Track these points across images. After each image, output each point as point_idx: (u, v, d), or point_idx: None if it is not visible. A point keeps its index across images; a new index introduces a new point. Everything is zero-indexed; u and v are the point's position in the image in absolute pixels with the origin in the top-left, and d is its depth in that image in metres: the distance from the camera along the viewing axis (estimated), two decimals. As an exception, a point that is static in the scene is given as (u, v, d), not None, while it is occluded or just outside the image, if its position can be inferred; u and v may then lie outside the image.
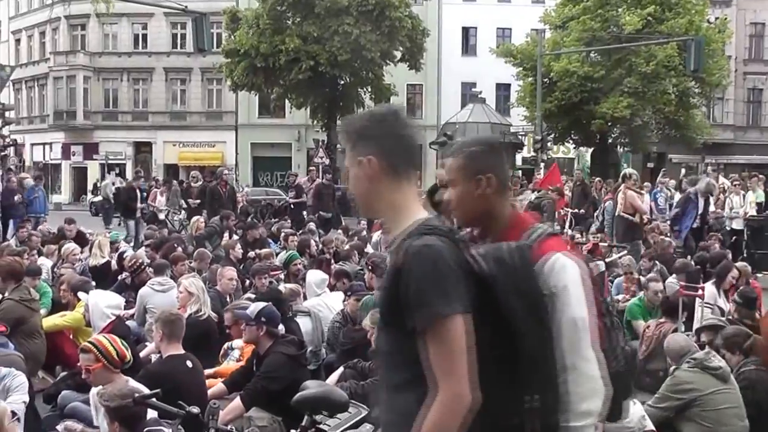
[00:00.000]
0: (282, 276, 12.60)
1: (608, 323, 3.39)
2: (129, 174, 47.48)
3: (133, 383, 6.34)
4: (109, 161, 55.80)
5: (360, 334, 8.50)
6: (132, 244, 20.55)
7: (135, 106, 59.49)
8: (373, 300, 8.95)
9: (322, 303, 10.53)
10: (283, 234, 17.83)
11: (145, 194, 26.16)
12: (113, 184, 34.25)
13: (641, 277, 13.07)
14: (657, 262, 14.62)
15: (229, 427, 5.98)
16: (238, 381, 7.49)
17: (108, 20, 56.52)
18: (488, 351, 2.86)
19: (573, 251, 3.42)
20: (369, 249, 16.04)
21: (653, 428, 6.34)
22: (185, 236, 18.35)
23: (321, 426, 5.74)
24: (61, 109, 58.51)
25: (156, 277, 11.02)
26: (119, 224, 31.72)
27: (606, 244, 15.97)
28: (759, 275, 15.22)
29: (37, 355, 9.13)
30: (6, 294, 9.62)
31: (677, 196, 20.52)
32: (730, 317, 9.99)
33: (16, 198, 22.58)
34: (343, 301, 10.27)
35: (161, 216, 25.67)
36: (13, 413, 6.24)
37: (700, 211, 18.15)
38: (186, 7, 28.43)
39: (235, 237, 17.09)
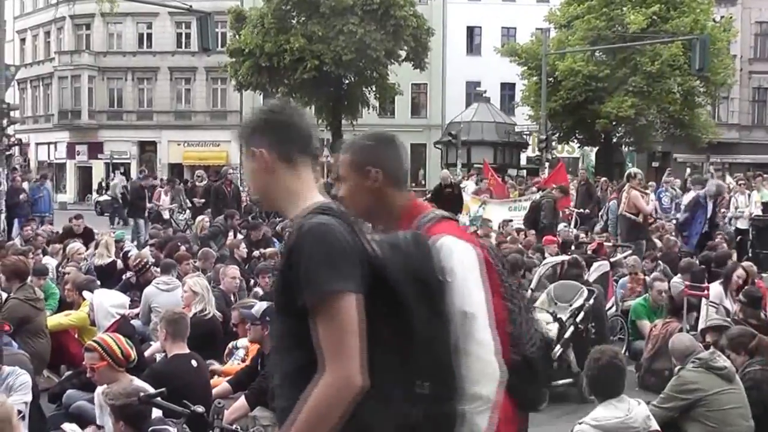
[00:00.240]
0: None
1: (517, 307, 3.38)
2: (134, 173, 47.49)
3: (138, 382, 6.35)
4: (114, 160, 55.85)
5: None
6: (136, 243, 20.59)
7: (140, 106, 59.54)
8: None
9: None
10: (287, 233, 17.82)
11: (149, 193, 26.18)
12: (122, 183, 34.37)
13: (646, 277, 13.07)
14: (660, 261, 14.62)
15: (233, 426, 5.97)
16: (243, 380, 7.50)
17: (113, 20, 56.62)
18: (379, 335, 2.80)
19: (467, 235, 3.41)
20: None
21: (658, 428, 6.33)
22: (190, 235, 18.36)
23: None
24: (66, 108, 58.56)
25: (161, 276, 11.02)
26: (119, 222, 31.79)
27: (610, 244, 15.96)
28: (764, 275, 15.19)
29: (42, 355, 9.15)
30: (11, 293, 9.64)
31: (685, 197, 20.45)
32: (736, 317, 9.98)
33: (21, 197, 22.62)
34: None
35: (166, 215, 25.68)
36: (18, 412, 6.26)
37: (709, 215, 18.07)
38: (191, 6, 28.42)
39: (240, 236, 17.11)
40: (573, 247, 15.22)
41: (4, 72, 24.42)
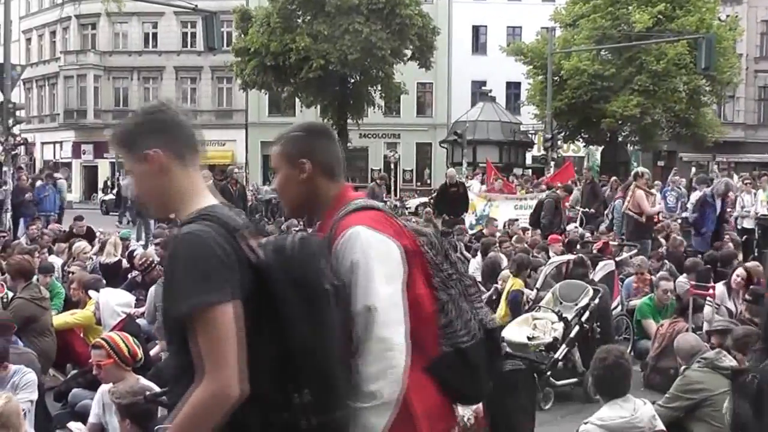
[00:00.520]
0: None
1: (449, 296, 3.33)
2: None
3: (144, 381, 6.37)
4: (120, 160, 55.67)
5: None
6: (142, 242, 20.64)
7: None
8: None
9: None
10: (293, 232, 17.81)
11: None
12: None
13: (652, 277, 13.06)
14: (666, 261, 14.60)
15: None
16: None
17: (118, 19, 56.75)
18: (259, 342, 2.78)
19: (386, 225, 3.30)
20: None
21: (663, 428, 6.32)
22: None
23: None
24: (72, 108, 58.67)
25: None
26: (128, 222, 31.82)
27: (616, 243, 15.94)
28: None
29: (47, 353, 9.16)
30: (17, 292, 9.65)
31: (692, 196, 20.40)
32: (741, 317, 9.97)
33: (26, 196, 22.66)
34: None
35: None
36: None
37: (717, 213, 18.01)
38: (196, 6, 28.45)
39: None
40: (578, 247, 15.21)
41: (10, 72, 24.45)
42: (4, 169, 23.37)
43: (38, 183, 24.89)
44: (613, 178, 27.78)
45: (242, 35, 43.65)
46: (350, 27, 39.74)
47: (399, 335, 3.08)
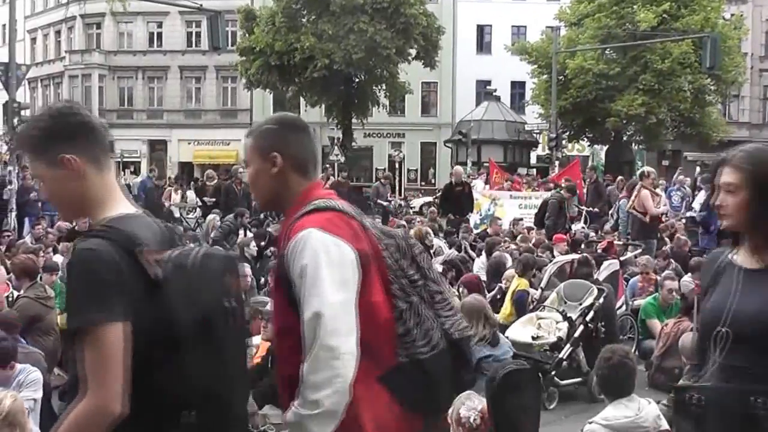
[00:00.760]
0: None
1: (408, 304, 3.22)
2: (144, 172, 47.57)
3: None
4: (124, 159, 55.93)
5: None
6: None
7: (150, 105, 59.64)
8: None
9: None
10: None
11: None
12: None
13: (658, 276, 13.04)
14: (672, 260, 14.58)
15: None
16: (253, 378, 7.50)
17: (123, 19, 56.84)
18: (151, 359, 2.76)
19: (343, 227, 3.19)
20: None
21: (668, 428, 6.31)
22: (200, 234, 18.40)
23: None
24: (77, 107, 58.61)
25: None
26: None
27: (620, 243, 15.92)
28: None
29: (52, 352, 9.17)
30: (21, 292, 9.67)
31: (700, 195, 20.34)
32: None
33: (31, 195, 22.66)
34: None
35: (176, 214, 25.77)
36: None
37: None
38: (201, 5, 28.45)
39: (250, 234, 17.16)
40: (583, 246, 15.20)
41: (15, 71, 24.47)
42: (9, 168, 23.38)
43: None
44: (620, 177, 27.76)
45: (247, 35, 43.65)
46: (355, 26, 39.73)
47: (348, 344, 2.99)
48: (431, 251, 15.49)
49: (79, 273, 2.72)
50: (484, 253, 14.98)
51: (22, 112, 24.58)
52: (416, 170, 58.26)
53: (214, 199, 23.12)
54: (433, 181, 55.01)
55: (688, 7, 40.39)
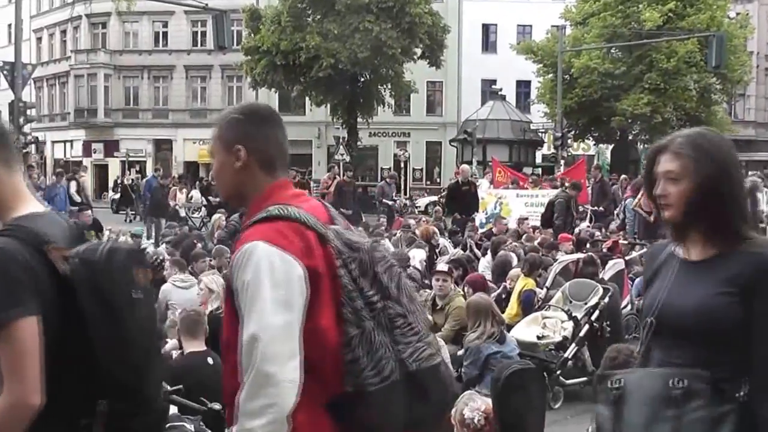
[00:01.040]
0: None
1: (358, 330, 2.91)
2: (149, 171, 47.66)
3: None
4: (130, 159, 56.08)
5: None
6: (152, 240, 20.71)
7: (155, 104, 59.69)
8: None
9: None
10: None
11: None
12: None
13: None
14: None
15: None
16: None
17: (128, 18, 56.99)
18: (64, 353, 2.80)
19: (294, 242, 2.91)
20: (389, 246, 16.06)
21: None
22: (205, 233, 18.43)
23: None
24: (82, 106, 58.83)
25: (178, 273, 11.07)
26: (135, 218, 31.91)
27: (626, 242, 15.91)
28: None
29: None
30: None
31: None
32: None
33: (37, 195, 22.72)
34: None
35: (182, 213, 25.82)
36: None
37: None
38: (206, 4, 28.51)
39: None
40: (588, 245, 15.20)
41: (20, 70, 24.55)
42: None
43: (49, 182, 25.00)
44: (623, 176, 27.74)
45: (252, 34, 43.69)
46: (360, 26, 39.74)
47: (288, 371, 2.78)
48: (437, 250, 15.53)
49: None
50: (489, 252, 14.98)
51: (28, 112, 24.67)
52: (421, 169, 58.23)
53: (219, 199, 23.14)
54: (438, 180, 55.00)
55: (693, 5, 40.34)
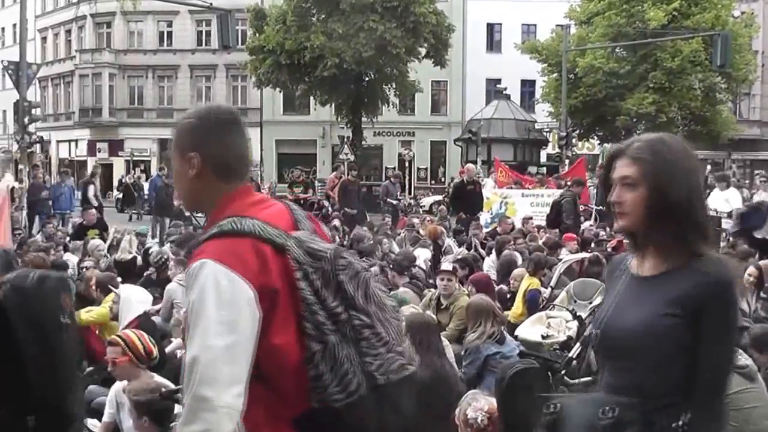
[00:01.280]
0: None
1: (320, 344, 2.80)
2: (154, 171, 47.70)
3: (158, 378, 6.39)
4: (135, 158, 56.13)
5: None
6: (157, 240, 20.72)
7: (160, 103, 59.73)
8: (400, 296, 8.95)
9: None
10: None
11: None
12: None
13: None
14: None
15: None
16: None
17: (133, 18, 57.07)
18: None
19: (240, 260, 2.77)
20: (394, 246, 16.06)
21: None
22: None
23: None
24: (87, 106, 58.90)
25: (183, 273, 11.09)
26: (138, 218, 31.93)
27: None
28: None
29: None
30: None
31: (715, 195, 20.19)
32: (756, 315, 9.91)
33: (43, 194, 22.76)
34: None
35: (187, 212, 25.79)
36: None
37: None
38: (211, 4, 28.51)
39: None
40: (593, 245, 15.17)
41: (25, 70, 24.55)
42: (20, 167, 23.48)
43: (54, 181, 25.04)
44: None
45: (257, 34, 43.69)
46: (365, 25, 39.70)
47: (227, 395, 2.65)
48: (442, 250, 15.52)
49: None
50: (494, 251, 14.97)
51: (33, 111, 24.68)
52: (426, 169, 58.22)
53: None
54: (443, 179, 54.98)
55: (698, 4, 40.32)
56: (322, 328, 2.80)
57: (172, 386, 5.76)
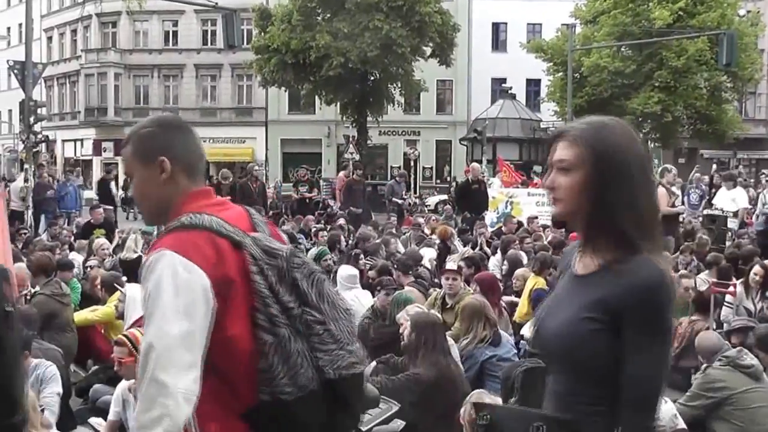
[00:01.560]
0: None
1: (272, 337, 2.82)
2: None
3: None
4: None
5: (390, 330, 8.46)
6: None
7: (165, 103, 59.70)
8: (405, 296, 8.94)
9: (355, 297, 10.55)
10: (313, 230, 17.92)
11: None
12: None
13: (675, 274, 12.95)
14: (695, 258, 14.49)
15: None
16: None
17: (139, 18, 57.09)
18: None
19: (200, 249, 2.82)
20: (399, 245, 16.05)
21: (684, 427, 6.29)
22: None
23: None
24: (92, 105, 58.93)
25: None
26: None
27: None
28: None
29: (69, 349, 9.19)
30: (37, 288, 9.70)
31: (722, 194, 20.19)
32: (761, 315, 9.89)
33: (48, 193, 22.78)
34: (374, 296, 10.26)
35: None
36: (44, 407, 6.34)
37: None
38: (216, 3, 28.54)
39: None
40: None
41: (31, 70, 24.59)
42: (26, 166, 23.52)
43: (60, 180, 25.08)
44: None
45: (262, 33, 43.72)
46: (370, 24, 39.71)
47: (183, 381, 2.68)
48: (449, 250, 15.51)
49: None
50: (499, 251, 14.96)
51: (39, 110, 24.72)
52: (431, 168, 58.18)
53: (229, 198, 23.16)
54: (448, 179, 54.99)
55: (704, 3, 40.27)
56: (275, 320, 2.83)
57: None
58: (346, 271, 11.37)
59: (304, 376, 2.82)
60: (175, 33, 59.40)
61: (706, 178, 25.41)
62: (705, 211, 20.02)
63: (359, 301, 10.47)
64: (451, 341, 7.67)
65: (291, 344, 2.83)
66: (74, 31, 63.04)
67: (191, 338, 2.72)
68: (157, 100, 59.58)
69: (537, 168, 38.95)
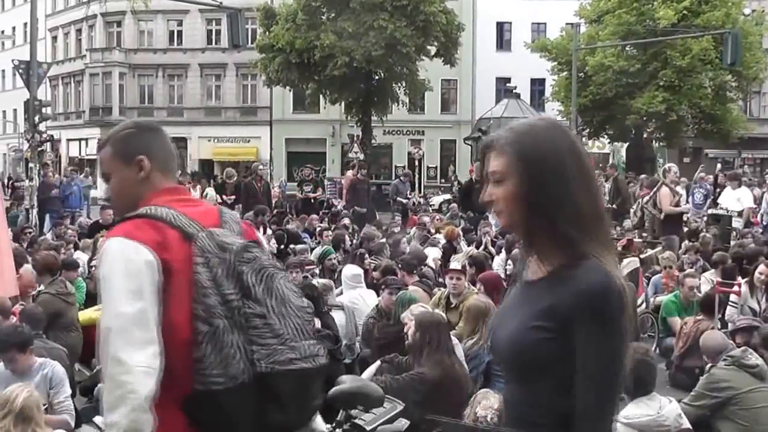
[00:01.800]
0: (317, 271, 12.69)
1: (209, 327, 2.83)
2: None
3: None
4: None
5: (395, 329, 8.47)
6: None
7: (170, 102, 59.84)
8: (409, 295, 8.94)
9: (359, 297, 10.56)
10: (317, 229, 17.93)
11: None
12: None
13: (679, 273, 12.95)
14: (701, 257, 14.48)
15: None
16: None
17: (143, 17, 57.13)
18: None
19: (149, 231, 2.91)
20: (404, 244, 16.05)
21: (689, 426, 6.29)
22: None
23: (356, 421, 5.70)
24: (97, 105, 59.05)
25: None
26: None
27: (640, 240, 15.84)
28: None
29: (74, 348, 9.21)
30: (42, 287, 9.72)
31: (727, 193, 20.17)
32: (766, 314, 9.89)
33: (53, 192, 22.81)
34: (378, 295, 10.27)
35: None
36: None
37: None
38: (221, 3, 28.58)
39: (269, 232, 17.20)
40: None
41: (36, 69, 24.61)
42: (31, 165, 23.55)
43: (64, 179, 25.10)
44: (643, 175, 27.61)
45: (266, 32, 43.73)
46: (374, 24, 39.69)
47: (141, 357, 2.75)
48: (455, 250, 15.52)
49: None
50: (503, 250, 14.94)
51: (44, 110, 24.74)
52: (436, 167, 58.19)
53: (234, 197, 23.15)
54: (452, 178, 54.98)
55: (708, 2, 40.18)
56: (212, 311, 2.85)
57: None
58: (350, 270, 11.39)
59: (236, 368, 2.82)
60: (179, 32, 59.52)
61: (711, 177, 25.37)
62: (710, 211, 19.99)
63: (364, 300, 10.49)
64: (455, 341, 7.67)
65: (226, 336, 2.84)
66: (79, 31, 63.15)
67: (144, 315, 2.80)
68: (162, 99, 59.67)
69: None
